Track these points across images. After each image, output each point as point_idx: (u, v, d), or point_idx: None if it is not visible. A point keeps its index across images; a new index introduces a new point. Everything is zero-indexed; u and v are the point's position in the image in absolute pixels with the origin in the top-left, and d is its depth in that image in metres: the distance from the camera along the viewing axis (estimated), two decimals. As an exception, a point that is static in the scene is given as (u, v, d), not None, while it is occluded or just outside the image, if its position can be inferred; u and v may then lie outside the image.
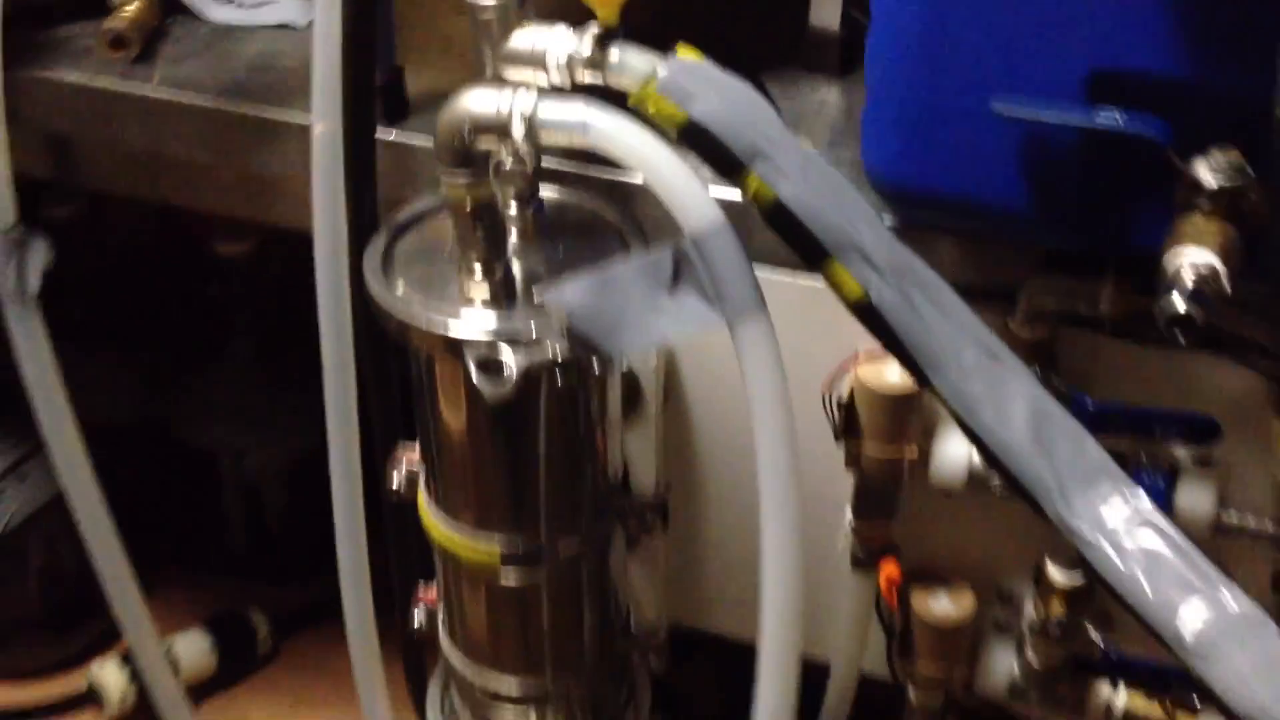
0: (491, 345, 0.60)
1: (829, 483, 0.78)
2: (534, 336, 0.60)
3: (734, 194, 0.55)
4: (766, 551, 0.59)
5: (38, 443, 0.90)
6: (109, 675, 1.15)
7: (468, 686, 0.77)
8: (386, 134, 0.76)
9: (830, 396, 0.73)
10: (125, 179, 0.86)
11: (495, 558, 0.69)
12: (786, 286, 0.72)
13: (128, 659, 1.15)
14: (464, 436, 0.66)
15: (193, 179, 0.83)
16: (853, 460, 0.74)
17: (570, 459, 0.68)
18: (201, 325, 1.25)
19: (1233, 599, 0.54)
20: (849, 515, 0.77)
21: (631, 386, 0.78)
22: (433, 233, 0.67)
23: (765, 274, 0.72)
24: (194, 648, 1.19)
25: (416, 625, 0.78)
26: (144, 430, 1.26)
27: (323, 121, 0.69)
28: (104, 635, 1.18)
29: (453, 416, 0.66)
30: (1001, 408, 0.58)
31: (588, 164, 0.72)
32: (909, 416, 0.72)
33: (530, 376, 0.60)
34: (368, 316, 0.74)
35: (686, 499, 0.83)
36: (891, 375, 0.71)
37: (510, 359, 0.59)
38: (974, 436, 0.58)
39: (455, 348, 0.60)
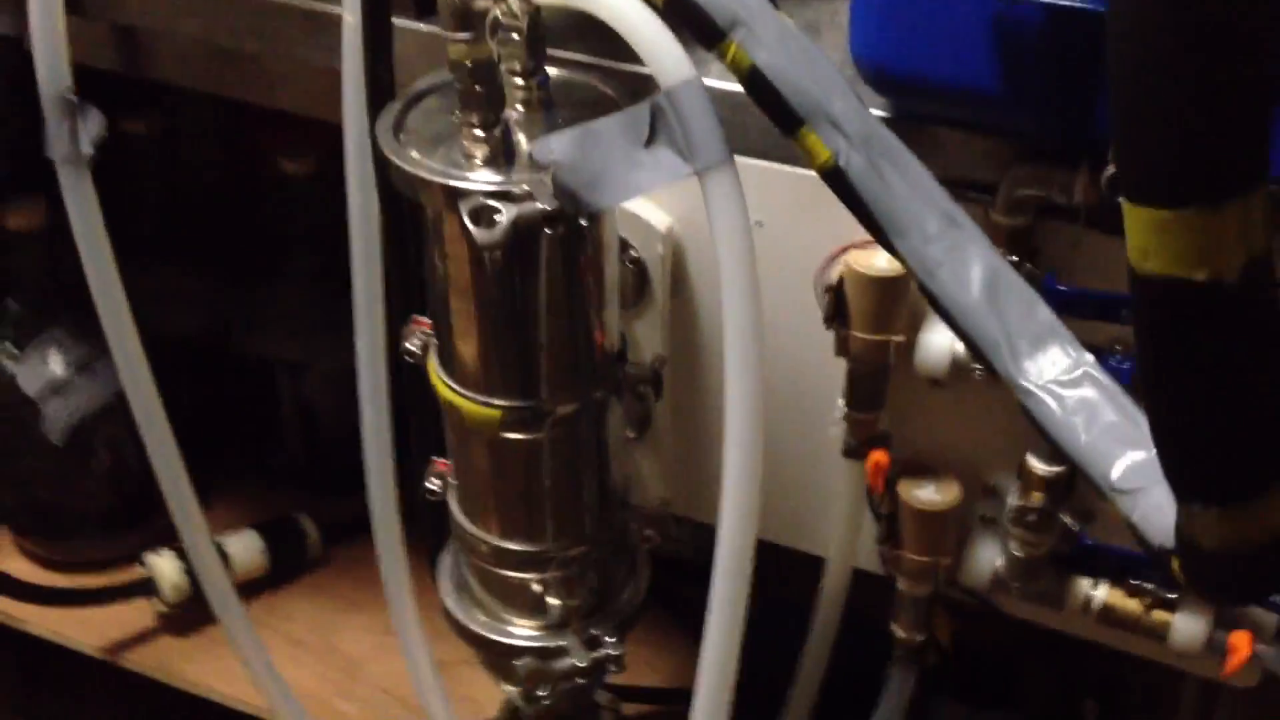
0: (484, 195, 0.64)
1: (824, 377, 0.81)
2: (525, 190, 0.64)
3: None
4: (730, 392, 0.62)
5: (102, 344, 0.96)
6: (164, 564, 1.21)
7: (474, 549, 0.81)
8: (417, 26, 0.80)
9: (820, 284, 0.76)
10: (184, 71, 0.91)
11: (496, 415, 0.73)
12: (783, 177, 0.76)
13: (183, 553, 1.21)
14: (464, 293, 0.70)
15: (245, 71, 0.89)
16: (842, 347, 0.77)
17: (568, 318, 0.72)
18: (264, 242, 1.31)
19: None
20: (840, 404, 0.80)
21: (638, 275, 0.82)
22: (444, 102, 0.71)
23: (762, 166, 0.77)
24: (245, 547, 1.25)
25: (429, 489, 0.83)
26: (206, 343, 1.32)
27: (351, 13, 0.75)
28: (166, 533, 1.24)
29: (454, 272, 0.70)
30: (959, 271, 0.61)
31: (600, 56, 0.76)
32: (897, 303, 0.75)
33: (521, 228, 0.64)
34: (388, 195, 0.80)
35: (691, 393, 0.86)
36: (880, 261, 0.74)
37: (501, 208, 0.64)
38: (933, 298, 0.61)
39: (451, 198, 0.65)
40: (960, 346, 0.75)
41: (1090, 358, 0.59)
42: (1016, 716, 1.02)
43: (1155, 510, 0.54)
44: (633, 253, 0.81)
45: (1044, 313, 0.61)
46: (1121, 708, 1.03)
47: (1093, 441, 0.58)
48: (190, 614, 1.22)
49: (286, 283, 1.28)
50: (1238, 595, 0.50)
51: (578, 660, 0.80)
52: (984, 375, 0.75)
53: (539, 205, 0.64)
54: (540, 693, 0.83)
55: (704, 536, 0.71)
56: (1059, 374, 0.59)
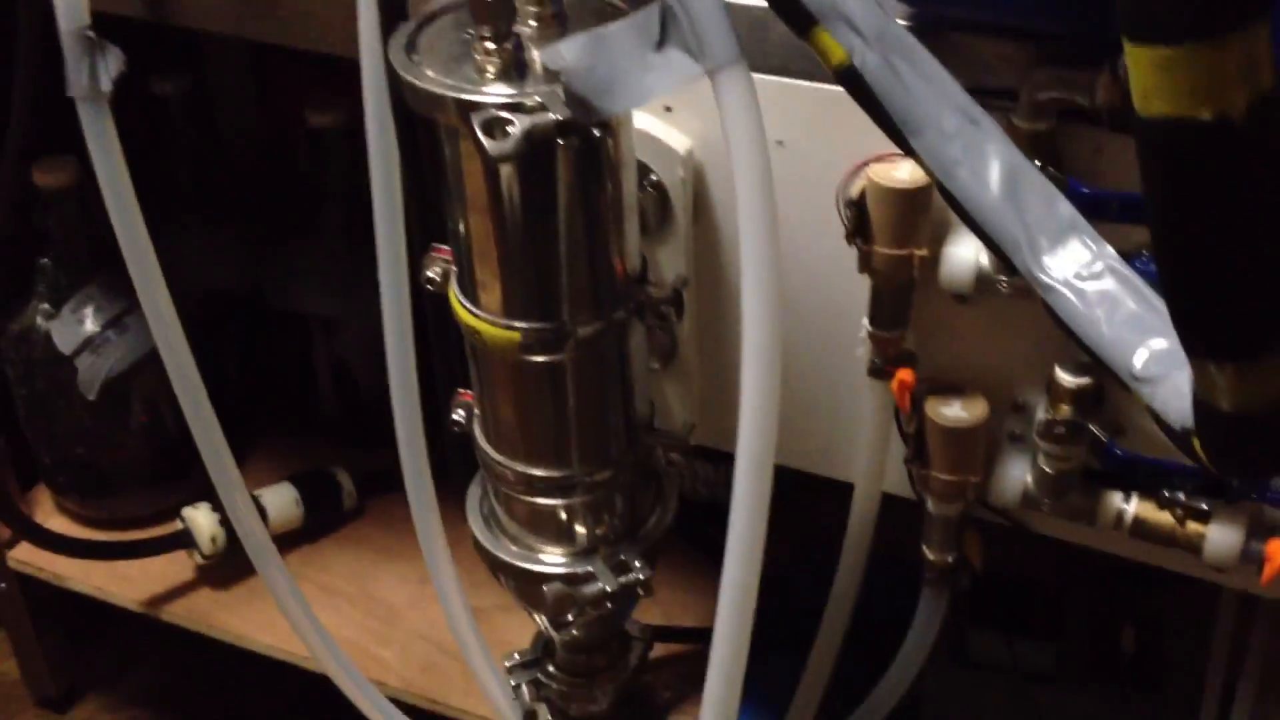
0: (496, 108, 0.64)
1: (849, 299, 0.80)
2: (538, 101, 0.64)
3: None
4: (746, 288, 0.62)
5: (136, 301, 0.96)
6: (200, 518, 1.22)
7: (501, 477, 0.81)
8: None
9: (842, 199, 0.76)
10: (208, 15, 0.91)
11: (516, 337, 0.73)
12: (803, 93, 0.75)
13: (219, 506, 1.22)
14: (481, 212, 0.70)
15: (269, 11, 0.89)
16: (865, 263, 0.76)
17: (586, 235, 0.71)
18: (296, 197, 1.31)
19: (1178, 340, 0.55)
20: (865, 323, 0.79)
21: (659, 199, 0.82)
22: (457, 23, 0.71)
23: (782, 83, 0.76)
24: (281, 499, 1.26)
25: (455, 419, 0.83)
26: (240, 297, 1.33)
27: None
28: (205, 489, 1.25)
29: (470, 192, 0.70)
30: (977, 169, 0.60)
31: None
32: (919, 215, 0.74)
33: (535, 140, 0.64)
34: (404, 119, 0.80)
35: (715, 320, 0.86)
36: (901, 174, 0.73)
37: (514, 120, 0.63)
38: (952, 198, 0.61)
39: (463, 113, 0.65)
40: (985, 259, 0.74)
41: (1111, 250, 0.58)
42: (1051, 645, 1.01)
43: (1176, 395, 0.53)
44: (653, 177, 0.81)
45: (1064, 208, 0.60)
46: (1160, 635, 1.02)
47: (1114, 333, 0.57)
48: (228, 567, 1.24)
49: (320, 238, 1.29)
50: (1260, 463, 0.49)
51: (606, 585, 0.80)
52: (1009, 288, 0.74)
53: (552, 116, 0.64)
54: (569, 619, 0.83)
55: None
56: (1080, 268, 0.59)
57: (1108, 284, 0.58)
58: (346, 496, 1.30)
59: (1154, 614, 1.03)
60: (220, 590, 1.26)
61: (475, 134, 0.64)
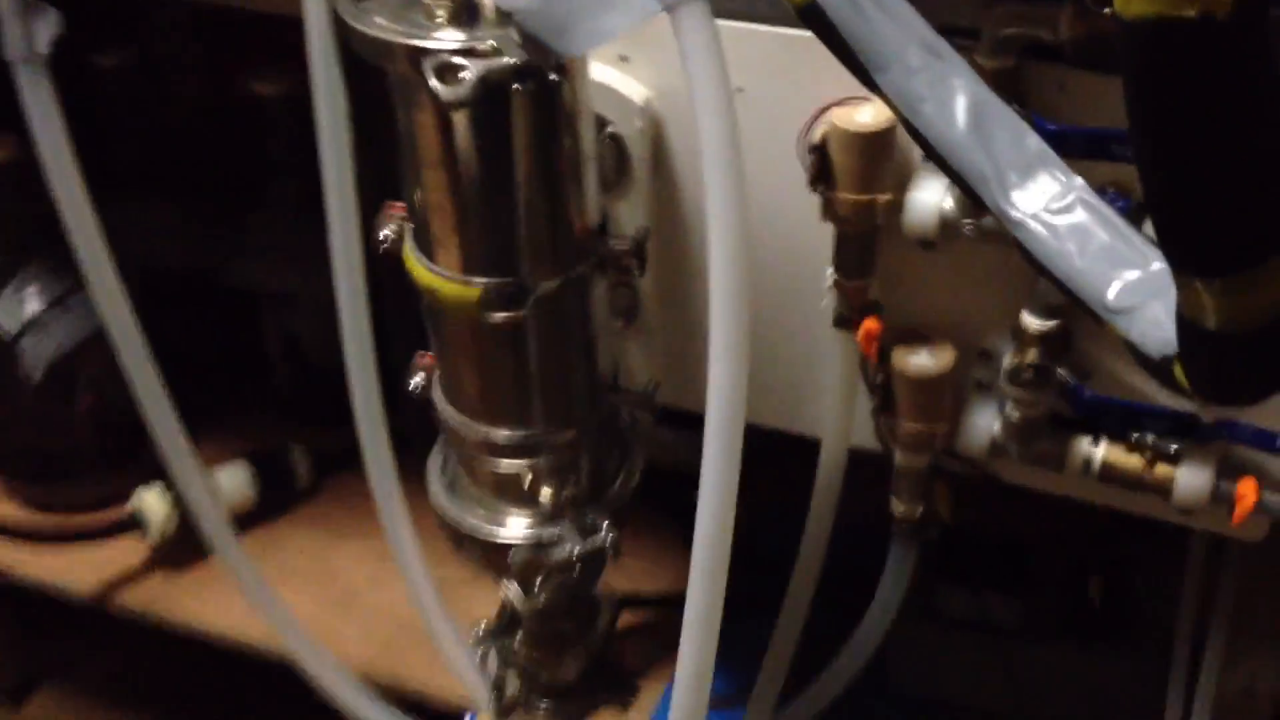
0: (449, 53, 0.62)
1: (813, 251, 0.79)
2: (492, 45, 0.62)
3: None
4: (713, 232, 0.60)
5: (79, 280, 0.93)
6: (151, 499, 1.19)
7: (462, 442, 0.80)
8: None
9: (804, 145, 0.74)
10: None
11: (476, 293, 0.72)
12: (763, 38, 0.74)
13: (170, 487, 1.20)
14: (435, 164, 0.68)
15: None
16: (828, 210, 0.75)
17: (544, 186, 0.70)
18: (244, 169, 1.29)
19: (1157, 260, 0.55)
20: (829, 272, 0.78)
21: (617, 152, 0.80)
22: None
23: (742, 28, 0.74)
24: (235, 480, 1.23)
25: (413, 386, 0.81)
26: (188, 274, 1.30)
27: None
28: (156, 471, 1.22)
29: (423, 143, 0.68)
30: (943, 103, 0.59)
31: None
32: (883, 160, 0.73)
33: (490, 85, 0.62)
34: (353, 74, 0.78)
35: (677, 275, 0.84)
36: (864, 117, 0.72)
37: (468, 64, 0.62)
38: (916, 134, 0.60)
39: (415, 59, 0.63)
40: (949, 204, 0.73)
41: (1080, 181, 0.57)
42: (1018, 599, 1.01)
43: (1153, 325, 0.52)
44: (610, 129, 0.79)
45: (1033, 141, 0.59)
46: (1128, 585, 1.02)
47: (1087, 265, 0.56)
48: (181, 551, 1.21)
49: (269, 211, 1.26)
50: (1245, 385, 0.48)
51: (574, 548, 0.78)
52: (975, 231, 0.73)
53: (508, 60, 0.62)
54: (536, 586, 0.81)
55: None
56: (1049, 201, 0.58)
57: (1078, 216, 0.57)
58: (302, 475, 1.28)
59: (1121, 564, 1.03)
60: (173, 575, 1.22)
61: (427, 82, 0.62)
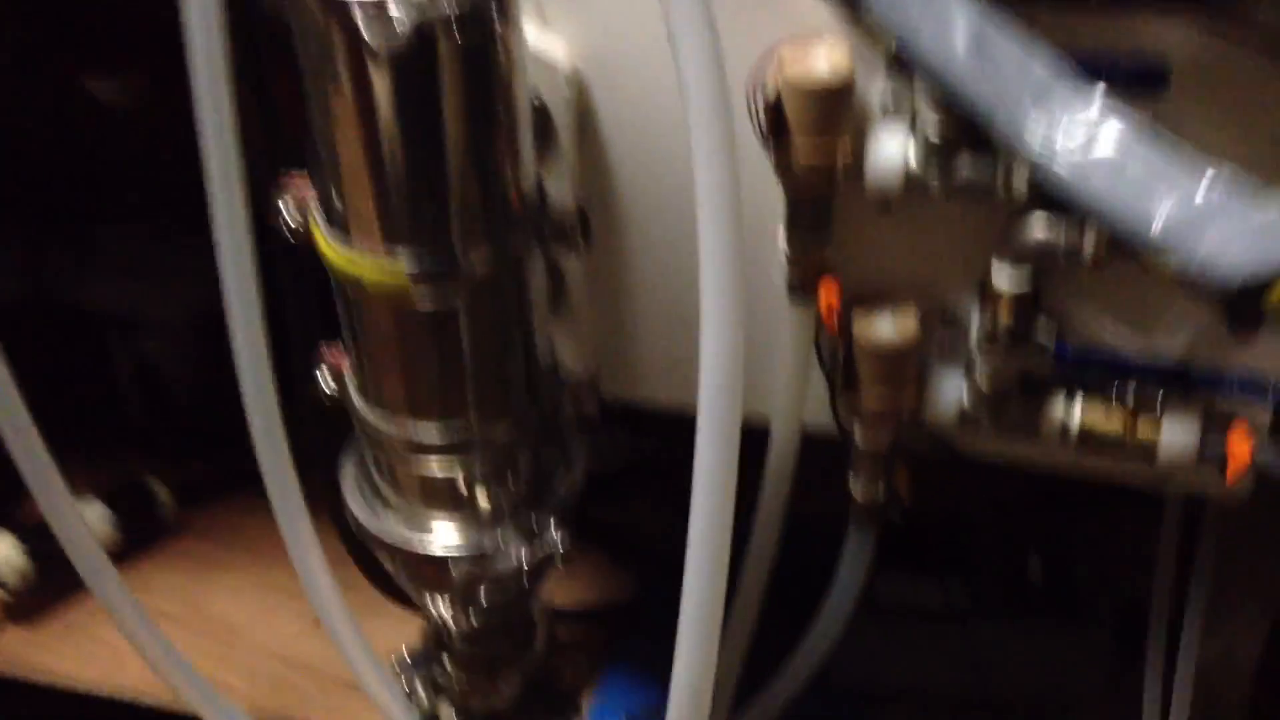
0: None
1: (759, 211, 0.73)
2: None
3: None
4: (701, 191, 0.54)
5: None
6: (4, 548, 1.08)
7: (387, 443, 0.71)
8: None
9: (755, 97, 0.68)
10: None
11: (403, 276, 0.63)
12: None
13: (22, 532, 1.09)
14: (354, 125, 0.60)
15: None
16: (782, 166, 0.69)
17: (477, 150, 0.62)
18: (84, 180, 1.18)
19: (1203, 187, 0.50)
20: (782, 236, 0.72)
21: (541, 122, 0.73)
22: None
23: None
24: (92, 518, 1.13)
25: (322, 387, 0.72)
26: (21, 298, 1.19)
27: None
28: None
29: (340, 104, 0.60)
30: (941, 31, 0.54)
31: None
32: (839, 110, 0.67)
33: (424, 34, 0.55)
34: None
35: (607, 254, 0.77)
36: (820, 64, 0.66)
37: (398, 9, 0.54)
38: (919, 67, 0.55)
39: (340, 6, 0.55)
40: (914, 160, 0.67)
41: (1102, 97, 0.53)
42: (954, 580, 0.96)
43: (1219, 250, 0.47)
44: (534, 98, 0.72)
45: (1041, 60, 0.54)
46: (1069, 561, 0.99)
47: (1123, 198, 0.51)
48: (34, 600, 1.10)
49: (112, 225, 1.16)
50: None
51: (519, 554, 0.70)
52: (941, 189, 0.67)
53: (440, 7, 0.55)
54: (476, 604, 0.73)
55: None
56: (1070, 127, 0.53)
57: (1106, 140, 0.52)
58: (165, 510, 1.17)
59: (1060, 540, 0.99)
60: (29, 628, 1.11)
61: (353, 30, 0.54)
